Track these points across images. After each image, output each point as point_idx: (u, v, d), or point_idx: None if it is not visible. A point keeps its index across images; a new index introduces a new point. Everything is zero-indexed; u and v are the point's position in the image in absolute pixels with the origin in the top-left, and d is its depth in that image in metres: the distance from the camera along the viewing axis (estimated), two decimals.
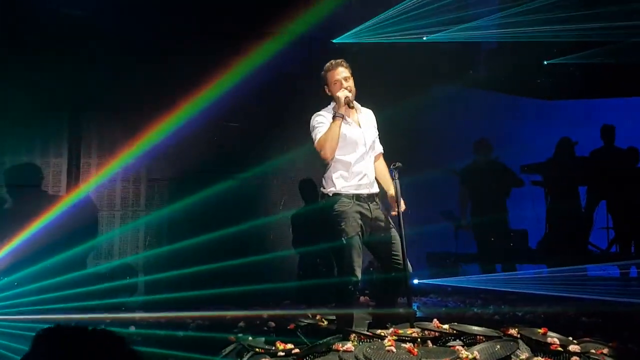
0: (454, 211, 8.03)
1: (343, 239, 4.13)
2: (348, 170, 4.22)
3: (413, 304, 6.53)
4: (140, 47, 6.59)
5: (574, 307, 6.19)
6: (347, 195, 4.19)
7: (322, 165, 4.32)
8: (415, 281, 7.19)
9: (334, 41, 7.23)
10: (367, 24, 7.02)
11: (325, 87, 4.32)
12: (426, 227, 7.82)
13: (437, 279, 6.93)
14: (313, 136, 4.21)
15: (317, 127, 4.21)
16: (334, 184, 4.21)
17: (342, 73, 4.24)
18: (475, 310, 6.34)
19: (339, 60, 4.29)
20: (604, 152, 7.55)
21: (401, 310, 5.88)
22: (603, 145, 7.58)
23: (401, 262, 4.25)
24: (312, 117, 4.30)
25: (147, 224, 6.85)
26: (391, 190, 4.36)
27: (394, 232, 4.31)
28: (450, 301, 6.77)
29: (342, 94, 4.15)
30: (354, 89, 4.29)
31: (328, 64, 4.29)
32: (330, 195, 4.23)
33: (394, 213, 4.33)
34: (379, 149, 4.50)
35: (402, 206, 4.30)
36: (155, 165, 6.95)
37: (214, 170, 6.84)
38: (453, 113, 8.11)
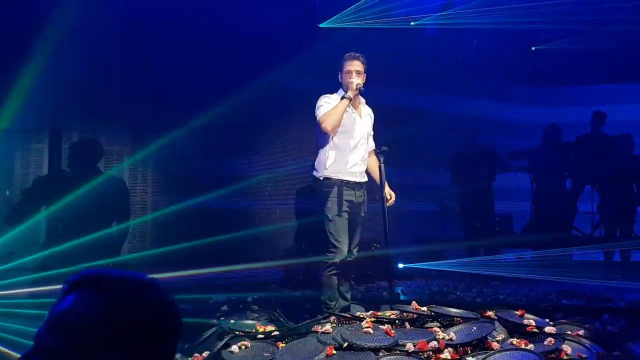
0: (441, 196, 8.07)
1: (329, 216, 4.44)
2: (341, 157, 4.49)
3: (397, 287, 6.65)
4: None
5: (555, 290, 6.29)
6: (337, 180, 4.47)
7: (313, 151, 4.64)
8: (400, 265, 7.24)
9: (320, 25, 7.19)
10: (352, 8, 6.98)
11: (340, 73, 4.58)
12: (412, 211, 7.89)
13: (422, 263, 6.97)
14: (317, 113, 4.47)
15: (322, 105, 4.48)
16: (326, 168, 4.48)
17: (356, 66, 4.53)
18: (458, 293, 6.41)
19: (358, 54, 4.57)
20: (589, 139, 7.57)
21: (384, 293, 6.06)
22: (590, 131, 7.59)
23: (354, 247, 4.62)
24: (319, 98, 4.55)
25: None
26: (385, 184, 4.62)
27: (361, 223, 4.66)
28: (435, 285, 6.83)
29: (355, 80, 4.46)
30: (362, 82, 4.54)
31: (348, 54, 4.58)
32: (321, 179, 4.51)
33: (390, 203, 4.61)
34: (372, 144, 4.76)
35: (391, 195, 4.62)
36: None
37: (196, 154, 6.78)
38: (443, 98, 8.12)
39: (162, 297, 1.12)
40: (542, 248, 7.17)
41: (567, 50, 7.95)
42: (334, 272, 4.50)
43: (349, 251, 4.55)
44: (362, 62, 4.52)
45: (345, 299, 4.60)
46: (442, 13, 7.77)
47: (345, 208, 4.46)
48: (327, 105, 4.45)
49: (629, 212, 7.33)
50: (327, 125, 4.39)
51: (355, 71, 4.48)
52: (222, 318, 4.71)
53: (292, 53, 6.38)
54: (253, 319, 4.57)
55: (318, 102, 4.52)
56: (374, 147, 4.76)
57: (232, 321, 4.47)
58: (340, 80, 4.58)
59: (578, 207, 7.72)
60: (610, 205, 7.45)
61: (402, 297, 6.15)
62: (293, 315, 4.72)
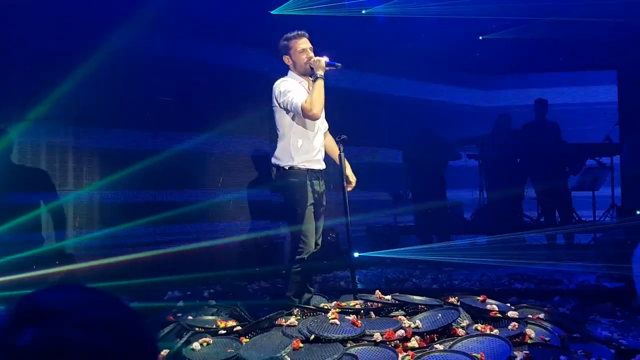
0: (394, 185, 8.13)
1: (300, 210, 4.22)
2: (307, 144, 4.27)
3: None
4: None
5: (507, 274, 6.45)
6: (303, 169, 4.26)
7: (272, 139, 4.43)
8: (356, 254, 7.22)
9: (272, 12, 7.04)
10: None
11: (286, 55, 4.32)
12: (366, 200, 7.90)
13: (377, 252, 6.99)
14: (287, 100, 4.16)
15: (289, 90, 4.18)
16: (291, 157, 4.24)
17: (307, 43, 4.31)
18: (414, 280, 6.47)
19: (303, 32, 4.34)
20: (534, 126, 7.79)
21: (342, 282, 6.04)
22: (535, 118, 7.81)
23: (320, 238, 4.45)
24: (277, 84, 4.27)
25: (75, 203, 6.46)
26: (347, 166, 4.47)
27: (323, 210, 4.46)
28: (390, 272, 6.87)
29: (322, 58, 4.21)
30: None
31: (292, 33, 4.32)
32: (287, 168, 4.26)
33: (349, 188, 4.47)
34: (326, 125, 4.57)
35: (353, 179, 4.48)
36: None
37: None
38: (391, 86, 8.14)
39: (143, 337, 0.93)
40: (493, 233, 7.34)
41: (513, 39, 8.10)
42: (301, 268, 4.32)
43: (315, 243, 4.40)
44: (308, 39, 4.31)
45: (309, 291, 4.50)
46: (393, 2, 7.77)
47: (312, 200, 4.26)
48: (294, 91, 4.18)
49: (565, 196, 7.61)
50: (317, 111, 4.11)
51: (309, 48, 4.27)
52: (180, 314, 4.53)
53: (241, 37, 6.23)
54: (212, 315, 4.42)
55: (278, 87, 4.23)
56: (327, 127, 4.55)
57: (190, 317, 4.30)
58: (290, 62, 4.30)
59: (526, 193, 7.94)
60: (550, 191, 7.69)
61: (359, 286, 6.15)
62: (253, 309, 4.60)
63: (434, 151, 7.71)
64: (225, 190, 7.03)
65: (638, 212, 7.43)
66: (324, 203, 4.47)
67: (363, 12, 7.52)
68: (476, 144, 8.11)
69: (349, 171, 4.48)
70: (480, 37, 8.47)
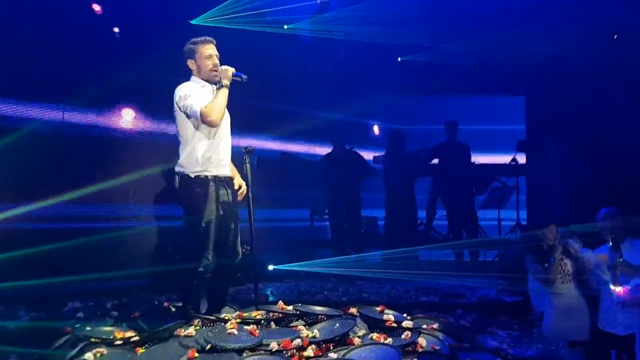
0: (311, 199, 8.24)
1: (202, 222, 4.11)
2: (214, 149, 4.18)
3: (267, 289, 6.66)
4: None
5: (414, 287, 6.67)
6: (209, 177, 4.16)
7: (175, 146, 4.22)
8: (270, 267, 7.26)
9: (192, 22, 7.03)
10: (227, 4, 6.91)
11: (191, 60, 4.28)
12: (282, 214, 7.96)
13: (291, 264, 7.04)
14: (187, 104, 4.09)
15: (190, 95, 4.11)
16: (198, 163, 4.14)
17: (214, 50, 4.28)
18: (326, 293, 6.57)
19: (210, 38, 4.31)
20: (445, 146, 8.12)
21: (253, 295, 6.02)
22: (446, 139, 8.14)
23: (234, 249, 4.33)
24: (178, 89, 4.19)
25: None
26: (236, 173, 4.41)
27: (236, 220, 4.36)
28: (303, 285, 6.93)
29: (230, 68, 4.20)
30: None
31: (199, 38, 4.28)
32: (193, 176, 4.15)
33: (240, 198, 4.40)
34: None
35: (241, 186, 4.40)
36: None
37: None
38: (310, 103, 8.28)
39: None
40: (403, 248, 7.55)
41: (428, 63, 8.43)
42: (203, 278, 4.21)
43: (236, 251, 4.31)
44: (215, 45, 4.30)
45: (222, 302, 4.40)
46: (315, 19, 7.93)
47: (216, 212, 4.16)
48: (195, 96, 4.12)
49: (472, 214, 7.98)
50: (216, 118, 4.04)
51: (215, 55, 4.25)
52: (78, 325, 4.39)
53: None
54: (111, 326, 4.31)
55: (179, 92, 4.14)
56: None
57: (88, 328, 4.17)
58: (194, 67, 4.26)
59: (437, 210, 8.24)
60: (457, 208, 8.03)
61: (271, 298, 6.17)
62: (157, 320, 4.51)
63: (348, 168, 7.88)
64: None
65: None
66: (236, 212, 4.35)
67: (285, 27, 7.63)
68: (389, 162, 8.34)
69: (238, 179, 4.41)
70: (399, 59, 8.77)
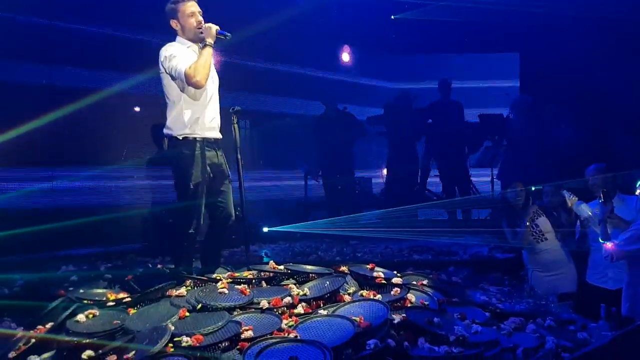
0: (304, 159, 8.21)
1: (191, 184, 4.08)
2: (201, 111, 4.12)
3: (262, 250, 6.70)
4: None
5: (408, 246, 6.71)
6: (198, 139, 4.11)
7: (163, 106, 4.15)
8: (265, 229, 7.29)
9: None
10: None
11: (174, 19, 4.17)
12: (276, 175, 7.96)
13: (286, 226, 7.06)
14: (171, 65, 4.02)
15: (175, 56, 4.03)
16: (185, 125, 4.08)
17: (196, 7, 4.17)
18: (320, 253, 6.61)
19: None
20: (439, 105, 8.05)
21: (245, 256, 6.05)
22: (440, 97, 8.06)
23: (226, 211, 4.32)
24: (163, 49, 4.10)
25: None
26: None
27: (228, 182, 4.34)
28: (298, 246, 6.97)
29: (213, 25, 4.10)
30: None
31: None
32: (180, 138, 4.10)
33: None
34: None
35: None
36: None
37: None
38: (296, 60, 8.16)
39: None
40: (398, 207, 7.57)
41: (421, 20, 8.29)
42: (194, 240, 4.22)
43: (228, 213, 4.31)
44: (197, 3, 4.18)
45: (215, 263, 4.42)
46: None
47: (208, 171, 4.15)
48: (180, 56, 4.04)
49: (464, 173, 7.97)
50: (201, 79, 3.96)
51: (198, 12, 4.15)
52: (71, 289, 4.43)
53: None
54: (104, 288, 4.35)
55: (164, 52, 4.08)
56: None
57: (81, 291, 4.21)
58: (177, 27, 4.15)
59: (430, 169, 8.22)
60: (450, 167, 8.01)
61: (265, 260, 6.20)
62: (151, 283, 4.54)
63: (342, 128, 7.83)
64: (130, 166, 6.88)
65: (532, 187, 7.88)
66: (228, 173, 4.34)
67: None
68: (384, 122, 8.29)
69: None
70: (392, 17, 8.62)
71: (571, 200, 4.93)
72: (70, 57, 6.55)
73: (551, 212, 5.41)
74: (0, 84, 6.07)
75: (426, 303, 3.81)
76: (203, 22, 4.13)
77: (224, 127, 4.42)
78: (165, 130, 4.20)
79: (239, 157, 4.36)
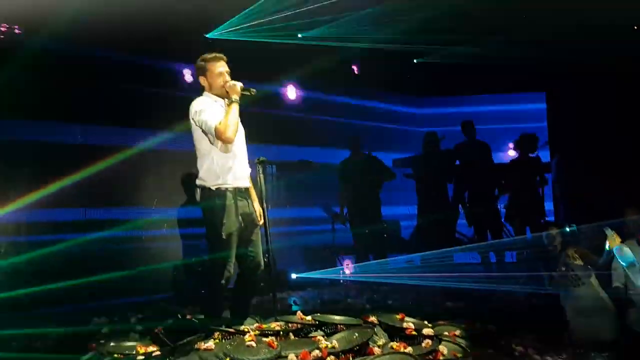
0: (331, 204, 8.19)
1: (223, 233, 4.15)
2: (232, 162, 4.24)
3: (290, 298, 6.65)
4: None
5: (440, 292, 6.55)
6: (229, 189, 4.21)
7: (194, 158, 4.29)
8: (294, 276, 7.26)
9: (207, 36, 7.08)
10: (236, 19, 6.93)
11: (203, 77, 4.36)
12: (304, 221, 7.96)
13: (314, 272, 7.02)
14: (201, 120, 4.17)
15: (203, 110, 4.19)
16: (218, 176, 4.20)
17: (225, 66, 4.34)
18: (349, 300, 6.51)
19: (220, 54, 4.37)
20: (465, 146, 8.00)
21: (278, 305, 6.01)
22: (466, 139, 8.02)
23: (256, 260, 4.38)
24: (193, 103, 4.27)
25: None
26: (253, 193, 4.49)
27: (258, 230, 4.42)
28: (326, 294, 6.89)
29: (237, 82, 4.26)
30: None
31: (209, 55, 4.35)
32: (213, 189, 4.21)
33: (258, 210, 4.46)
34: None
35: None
36: None
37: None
38: (326, 110, 8.26)
39: None
40: (428, 252, 7.46)
41: (444, 63, 8.33)
42: (222, 292, 4.30)
43: (258, 262, 4.37)
44: (226, 61, 4.37)
45: (245, 314, 4.44)
46: (331, 24, 7.90)
47: (240, 220, 4.24)
48: (209, 110, 4.19)
49: (495, 213, 7.83)
50: (231, 135, 4.09)
51: (226, 72, 4.32)
52: (102, 342, 4.44)
53: None
54: (135, 341, 4.36)
55: (194, 107, 4.23)
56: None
57: (111, 344, 4.23)
58: (206, 83, 4.35)
59: (460, 211, 8.11)
60: (481, 208, 7.88)
61: (294, 308, 6.15)
62: (181, 334, 4.53)
63: (369, 171, 7.83)
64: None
65: (567, 228, 7.69)
66: (258, 223, 4.43)
67: (299, 35, 7.63)
68: (410, 164, 8.27)
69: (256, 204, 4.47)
70: (415, 60, 8.70)
71: (614, 240, 4.76)
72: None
73: (588, 254, 5.24)
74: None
75: (459, 355, 3.71)
76: (228, 80, 4.28)
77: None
78: (198, 182, 4.31)
79: (265, 205, 4.43)
